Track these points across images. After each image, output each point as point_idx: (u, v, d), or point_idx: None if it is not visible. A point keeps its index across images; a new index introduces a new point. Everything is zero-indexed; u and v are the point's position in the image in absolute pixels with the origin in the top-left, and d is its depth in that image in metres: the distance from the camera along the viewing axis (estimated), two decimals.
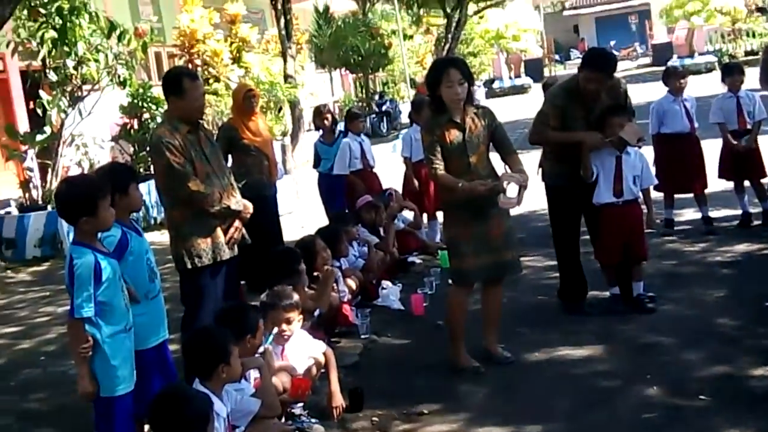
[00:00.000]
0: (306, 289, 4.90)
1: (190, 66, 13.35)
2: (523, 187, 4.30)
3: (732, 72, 7.16)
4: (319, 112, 8.22)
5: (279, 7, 13.50)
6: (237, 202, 4.52)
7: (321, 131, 8.21)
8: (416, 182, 7.65)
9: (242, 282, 5.53)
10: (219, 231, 4.39)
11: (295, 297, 4.09)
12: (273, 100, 13.68)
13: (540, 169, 5.63)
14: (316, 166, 8.20)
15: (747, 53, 26.22)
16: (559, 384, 4.25)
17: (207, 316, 4.14)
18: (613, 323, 5.08)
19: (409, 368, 4.79)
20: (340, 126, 8.30)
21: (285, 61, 13.80)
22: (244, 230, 4.60)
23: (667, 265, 6.22)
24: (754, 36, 27.64)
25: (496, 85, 28.97)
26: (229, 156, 6.43)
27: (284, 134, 13.39)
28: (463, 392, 4.31)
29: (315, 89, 19.65)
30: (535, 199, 6.37)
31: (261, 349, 3.83)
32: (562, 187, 5.33)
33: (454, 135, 4.36)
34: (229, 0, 15.59)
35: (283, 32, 13.72)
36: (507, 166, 4.51)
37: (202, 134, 4.48)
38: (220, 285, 4.44)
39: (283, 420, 3.80)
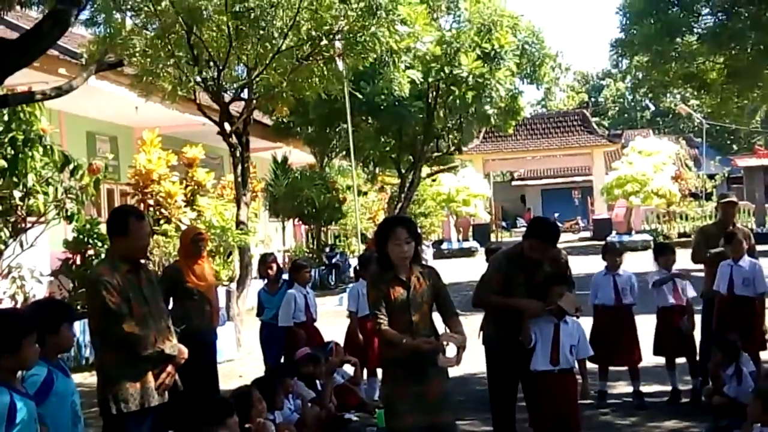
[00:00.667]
0: None
1: (142, 205, 13.37)
2: (461, 348, 4.35)
3: (665, 251, 7.46)
4: (263, 261, 8.24)
5: (237, 154, 13.82)
6: (172, 346, 4.45)
7: (265, 280, 8.22)
8: (361, 337, 7.62)
9: (170, 431, 5.32)
10: (150, 375, 4.29)
11: None
12: (223, 245, 13.70)
13: (481, 333, 5.69)
14: (259, 314, 8.16)
15: (680, 234, 27.43)
16: None
17: None
18: None
19: None
20: (285, 276, 8.33)
21: (239, 207, 13.94)
22: (177, 376, 4.49)
23: None
24: (686, 219, 29.08)
25: (444, 246, 29.48)
26: (171, 299, 6.39)
27: (231, 280, 13.32)
28: None
29: (267, 237, 19.77)
30: (475, 362, 6.38)
31: None
32: (502, 351, 5.38)
33: (398, 292, 4.42)
34: (189, 144, 15.91)
35: (239, 179, 13.95)
36: (447, 327, 4.55)
37: (143, 274, 4.46)
38: None
39: None
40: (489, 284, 5.36)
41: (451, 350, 4.38)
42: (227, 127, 11.55)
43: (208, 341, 6.52)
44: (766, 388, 4.82)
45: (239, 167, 13.73)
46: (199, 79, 10.73)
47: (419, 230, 4.99)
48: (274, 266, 8.12)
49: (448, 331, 4.50)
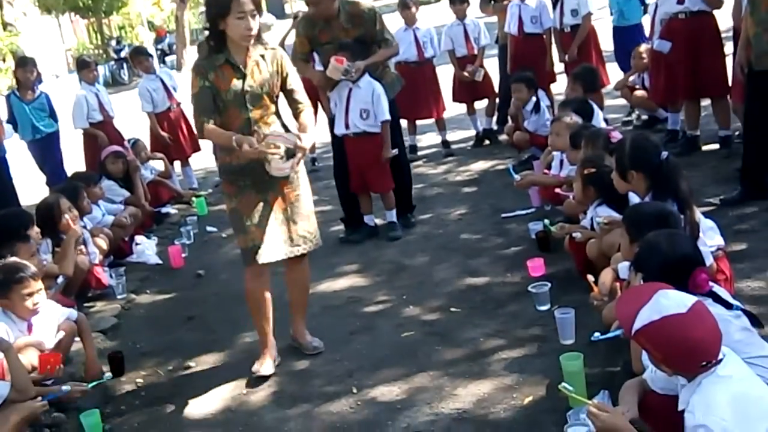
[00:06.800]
0: (45, 254, 4.56)
1: None
2: (300, 150, 3.46)
3: (456, 0, 7.48)
4: (23, 64, 7.27)
5: None
6: None
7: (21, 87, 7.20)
8: (164, 134, 7.42)
9: None
10: None
11: (32, 268, 3.72)
12: None
13: None
14: (10, 122, 7.06)
15: None
16: (324, 317, 4.32)
17: None
18: (370, 251, 5.29)
19: (172, 323, 4.67)
20: (43, 87, 7.46)
21: (1, 7, 12.46)
22: None
23: (415, 189, 6.48)
24: None
25: None
26: None
27: (10, 88, 12.18)
28: (229, 341, 4.26)
29: (42, 37, 17.97)
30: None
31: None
32: (333, 137, 5.52)
33: (231, 82, 3.50)
34: None
35: None
36: (298, 124, 3.64)
37: None
38: None
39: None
40: (296, 53, 5.23)
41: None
42: None
43: None
44: (560, 115, 5.12)
45: None
46: None
47: None
48: (35, 71, 7.29)
49: (295, 129, 3.62)
